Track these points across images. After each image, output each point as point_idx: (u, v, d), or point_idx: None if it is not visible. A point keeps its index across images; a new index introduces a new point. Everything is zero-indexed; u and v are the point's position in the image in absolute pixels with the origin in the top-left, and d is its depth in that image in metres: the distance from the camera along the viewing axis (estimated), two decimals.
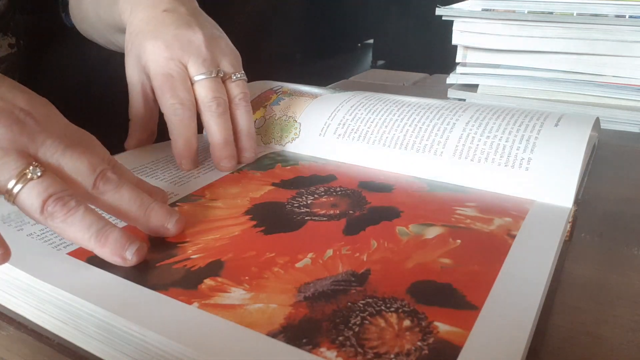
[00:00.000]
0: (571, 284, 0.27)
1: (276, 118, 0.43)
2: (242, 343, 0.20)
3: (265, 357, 0.19)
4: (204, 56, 0.38)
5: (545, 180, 0.32)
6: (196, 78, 0.37)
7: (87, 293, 0.23)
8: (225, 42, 0.40)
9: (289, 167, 0.38)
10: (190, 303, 0.22)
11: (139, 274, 0.25)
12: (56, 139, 0.26)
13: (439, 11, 0.62)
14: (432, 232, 0.28)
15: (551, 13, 0.56)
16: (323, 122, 0.41)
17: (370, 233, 0.28)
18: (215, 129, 0.37)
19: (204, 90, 0.37)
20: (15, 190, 0.24)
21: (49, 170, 0.25)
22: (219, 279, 0.24)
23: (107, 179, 0.26)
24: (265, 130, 0.43)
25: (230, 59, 0.39)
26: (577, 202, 0.31)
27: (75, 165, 0.26)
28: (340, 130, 0.40)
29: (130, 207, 0.27)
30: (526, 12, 0.57)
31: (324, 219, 0.30)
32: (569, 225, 0.30)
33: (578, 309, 0.25)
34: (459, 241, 0.27)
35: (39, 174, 0.24)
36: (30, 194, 0.24)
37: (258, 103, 0.45)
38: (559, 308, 0.25)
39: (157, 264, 0.26)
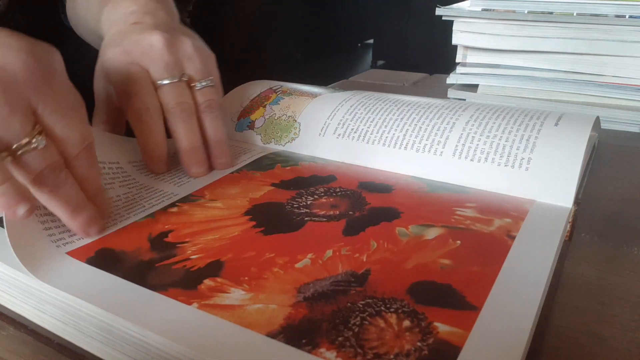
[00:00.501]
0: (571, 284, 0.27)
1: (276, 118, 0.43)
2: (241, 344, 0.20)
3: (265, 358, 0.19)
4: (166, 60, 0.36)
5: (545, 180, 0.32)
6: (159, 83, 0.36)
7: (86, 293, 0.23)
8: (192, 44, 0.38)
9: (288, 168, 0.38)
10: (189, 304, 0.22)
11: (139, 274, 0.25)
12: (58, 97, 0.26)
13: (439, 11, 0.62)
14: (431, 233, 0.28)
15: (551, 13, 0.56)
16: (323, 122, 0.41)
17: (370, 234, 0.28)
18: (181, 134, 0.36)
19: (167, 95, 0.36)
20: (18, 153, 0.24)
21: (47, 135, 0.25)
22: (219, 280, 0.24)
23: (91, 153, 0.27)
24: (265, 130, 0.43)
25: (195, 64, 0.37)
26: (577, 202, 0.31)
27: (71, 131, 0.26)
28: (340, 130, 0.40)
29: (89, 185, 0.28)
30: (526, 12, 0.57)
31: (324, 219, 0.30)
32: (569, 225, 0.30)
33: (578, 309, 0.25)
34: (458, 242, 0.27)
35: (43, 144, 0.24)
36: (32, 163, 0.24)
37: (258, 102, 0.45)
38: (559, 308, 0.25)
39: (156, 264, 0.26)
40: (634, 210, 0.35)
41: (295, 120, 0.43)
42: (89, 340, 0.23)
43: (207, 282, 0.24)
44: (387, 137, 0.38)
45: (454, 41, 0.62)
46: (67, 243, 0.27)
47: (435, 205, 0.32)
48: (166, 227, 0.29)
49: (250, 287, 0.23)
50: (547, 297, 0.24)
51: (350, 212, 0.31)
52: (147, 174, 0.37)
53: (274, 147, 0.42)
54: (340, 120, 0.41)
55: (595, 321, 0.24)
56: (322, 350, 0.19)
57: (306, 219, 0.30)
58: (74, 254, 0.26)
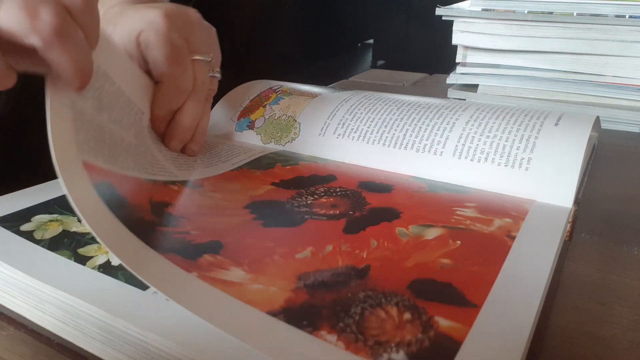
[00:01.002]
0: (571, 284, 0.27)
1: (276, 117, 0.43)
2: (241, 318, 0.20)
3: (264, 335, 0.19)
4: (203, 39, 0.37)
5: (545, 180, 0.32)
6: (194, 57, 0.36)
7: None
8: (215, 35, 0.39)
9: (288, 167, 0.38)
10: (189, 271, 0.22)
11: (141, 230, 0.24)
12: None
13: (439, 11, 0.62)
14: (432, 233, 0.28)
15: (551, 13, 0.56)
16: (322, 122, 0.41)
17: (370, 233, 0.28)
18: (189, 111, 0.37)
19: (198, 71, 0.36)
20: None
21: None
22: (219, 257, 0.24)
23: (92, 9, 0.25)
24: (265, 130, 0.43)
25: (215, 52, 0.39)
26: (577, 202, 0.31)
27: None
28: (340, 130, 0.40)
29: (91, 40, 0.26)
30: (526, 12, 0.58)
31: (324, 218, 0.30)
32: (569, 225, 0.30)
33: (578, 309, 0.25)
34: (458, 242, 0.27)
35: None
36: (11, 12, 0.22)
37: (257, 102, 0.45)
38: (559, 308, 0.25)
39: (157, 227, 0.25)
40: (634, 210, 0.35)
41: (295, 120, 0.43)
42: (89, 340, 0.23)
43: (207, 257, 0.24)
44: (387, 137, 0.38)
45: (454, 41, 0.62)
46: (83, 152, 0.26)
47: (435, 206, 0.32)
48: (166, 199, 0.29)
49: (250, 269, 0.23)
50: (547, 297, 0.24)
51: (350, 212, 0.31)
52: (154, 141, 0.36)
53: (274, 147, 0.42)
54: (340, 120, 0.41)
55: (595, 321, 0.24)
56: (323, 332, 0.19)
57: (306, 216, 0.30)
58: (87, 167, 0.25)
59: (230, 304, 0.20)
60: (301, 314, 0.20)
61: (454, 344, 0.19)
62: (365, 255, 0.26)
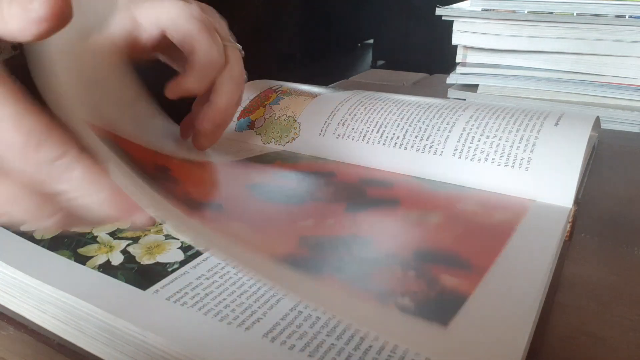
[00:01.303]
0: (571, 284, 0.27)
1: (276, 118, 0.43)
2: (246, 260, 0.19)
3: (268, 275, 0.19)
4: (227, 26, 0.36)
5: (545, 180, 0.32)
6: (224, 42, 0.35)
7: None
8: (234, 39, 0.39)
9: (289, 164, 0.38)
10: (191, 216, 0.22)
11: (143, 178, 0.23)
12: None
13: (439, 11, 0.62)
14: (434, 218, 0.28)
15: (551, 13, 0.56)
16: (323, 122, 0.41)
17: (371, 214, 0.28)
18: (224, 91, 0.35)
19: (229, 53, 0.35)
20: None
21: None
22: (221, 213, 0.24)
23: None
24: (265, 130, 0.43)
25: None
26: (577, 202, 0.31)
27: None
28: (340, 130, 0.40)
29: None
30: (526, 12, 0.57)
31: (324, 201, 0.30)
32: (568, 225, 0.30)
33: (578, 309, 0.25)
34: (460, 228, 0.27)
35: None
36: None
37: (258, 102, 0.45)
38: (559, 308, 0.25)
39: (160, 181, 0.25)
40: (634, 210, 0.35)
41: (295, 120, 0.43)
42: (90, 340, 0.23)
43: (209, 212, 0.23)
44: (387, 137, 0.38)
45: (454, 41, 0.62)
46: None
47: (436, 200, 0.32)
48: (169, 166, 0.29)
49: (250, 227, 0.23)
50: (547, 297, 0.24)
51: (351, 199, 0.31)
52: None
53: (274, 147, 0.42)
54: (340, 120, 0.41)
55: (595, 321, 0.24)
56: (328, 280, 0.19)
57: (307, 197, 0.30)
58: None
59: (233, 248, 0.20)
60: (304, 262, 0.20)
61: (460, 297, 0.19)
62: (367, 228, 0.26)
